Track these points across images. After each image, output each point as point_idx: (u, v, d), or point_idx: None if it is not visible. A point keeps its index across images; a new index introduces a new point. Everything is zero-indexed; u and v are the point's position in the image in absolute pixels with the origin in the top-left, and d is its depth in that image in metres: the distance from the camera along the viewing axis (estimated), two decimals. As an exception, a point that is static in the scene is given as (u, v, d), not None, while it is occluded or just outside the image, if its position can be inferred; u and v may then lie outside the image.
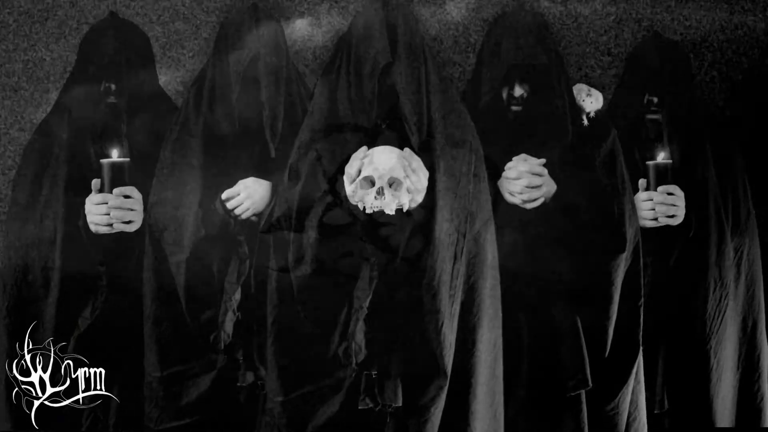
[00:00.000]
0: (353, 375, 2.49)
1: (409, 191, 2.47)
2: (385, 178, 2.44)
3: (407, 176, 2.45)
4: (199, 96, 2.68)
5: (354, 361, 2.47)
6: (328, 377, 2.50)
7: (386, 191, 2.44)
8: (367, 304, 2.46)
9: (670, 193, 2.68)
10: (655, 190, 2.68)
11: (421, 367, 2.47)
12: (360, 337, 2.47)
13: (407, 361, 2.47)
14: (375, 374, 2.48)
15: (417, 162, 2.47)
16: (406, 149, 2.48)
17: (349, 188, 2.48)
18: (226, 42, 2.68)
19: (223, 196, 2.60)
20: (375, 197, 2.45)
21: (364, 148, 2.48)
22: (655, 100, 2.83)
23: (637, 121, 2.86)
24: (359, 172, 2.46)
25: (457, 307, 2.50)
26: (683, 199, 2.70)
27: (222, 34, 2.72)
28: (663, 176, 2.69)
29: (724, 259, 2.83)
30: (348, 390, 2.49)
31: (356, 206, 2.47)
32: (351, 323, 2.47)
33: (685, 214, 2.72)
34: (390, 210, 2.45)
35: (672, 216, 2.69)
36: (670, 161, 2.70)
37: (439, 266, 2.45)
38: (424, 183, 2.48)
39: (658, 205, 2.68)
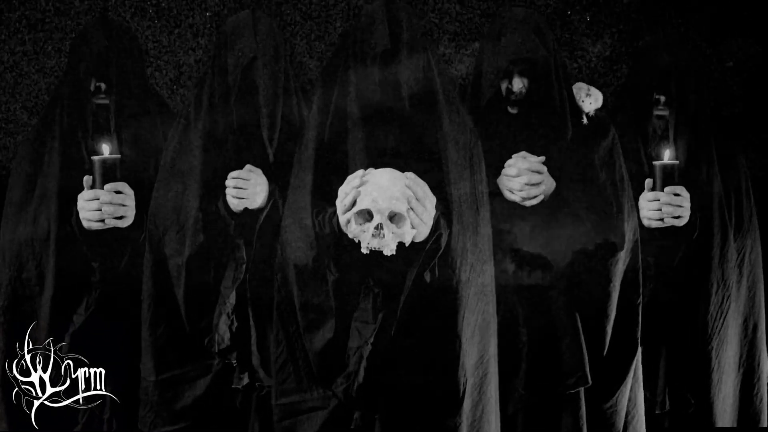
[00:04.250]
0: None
1: (413, 225, 2.15)
2: (385, 212, 2.11)
3: (411, 208, 2.15)
4: (199, 100, 2.64)
5: (354, 400, 2.30)
6: (315, 392, 2.42)
7: (386, 228, 2.11)
8: (372, 339, 2.26)
9: (676, 194, 2.63)
10: (662, 190, 2.64)
11: (438, 386, 2.36)
12: (362, 375, 2.27)
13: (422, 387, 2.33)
14: (377, 417, 2.34)
15: (423, 189, 2.19)
16: (410, 173, 2.20)
17: (342, 218, 2.17)
18: (225, 46, 2.62)
19: (232, 174, 2.51)
20: (372, 234, 2.12)
21: (361, 171, 2.20)
22: (663, 98, 2.77)
23: (644, 119, 2.81)
24: (354, 202, 2.15)
25: (472, 320, 2.44)
26: (689, 200, 2.65)
27: (221, 39, 2.66)
28: (670, 177, 2.64)
29: (727, 261, 2.80)
30: (334, 410, 2.39)
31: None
32: (353, 361, 2.30)
33: (690, 215, 2.68)
34: (390, 251, 2.13)
35: (678, 217, 2.65)
36: (677, 162, 2.66)
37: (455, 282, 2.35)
38: (431, 213, 2.20)
39: (665, 206, 2.64)
